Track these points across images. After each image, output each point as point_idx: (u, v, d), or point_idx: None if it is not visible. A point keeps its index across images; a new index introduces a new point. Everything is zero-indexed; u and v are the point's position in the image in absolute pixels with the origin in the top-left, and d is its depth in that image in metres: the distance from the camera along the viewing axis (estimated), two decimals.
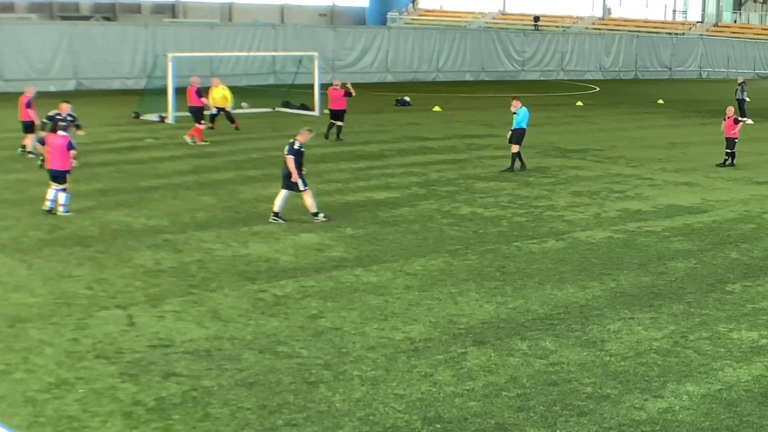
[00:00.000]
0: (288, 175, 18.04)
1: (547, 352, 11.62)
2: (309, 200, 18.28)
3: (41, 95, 26.41)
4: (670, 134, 35.07)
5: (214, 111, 30.58)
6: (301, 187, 18.09)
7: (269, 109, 38.16)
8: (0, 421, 9.19)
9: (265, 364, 10.97)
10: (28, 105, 24.86)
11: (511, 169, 24.88)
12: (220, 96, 30.78)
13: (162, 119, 33.73)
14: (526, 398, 10.21)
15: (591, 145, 30.97)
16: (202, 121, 28.81)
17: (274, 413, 9.69)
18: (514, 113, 24.77)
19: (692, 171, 26.03)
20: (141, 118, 34.34)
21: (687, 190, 23.13)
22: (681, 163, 27.49)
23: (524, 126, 24.89)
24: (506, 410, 9.91)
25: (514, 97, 25.42)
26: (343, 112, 30.05)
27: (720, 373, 11.12)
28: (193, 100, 29.06)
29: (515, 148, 24.85)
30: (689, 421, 9.77)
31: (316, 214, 18.29)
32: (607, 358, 11.45)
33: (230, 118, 31.38)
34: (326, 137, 29.68)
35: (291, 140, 18.37)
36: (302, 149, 18.17)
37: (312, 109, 37.74)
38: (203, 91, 29.34)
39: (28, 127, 24.79)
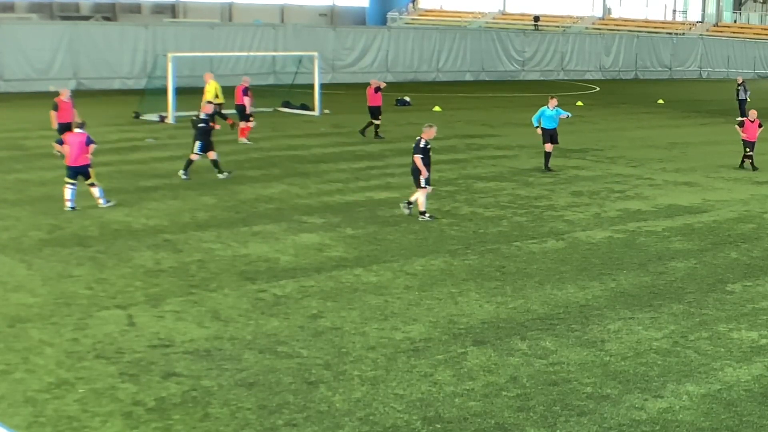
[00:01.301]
0: (417, 171, 18.34)
1: (547, 352, 11.62)
2: (423, 198, 18.61)
3: (42, 95, 26.32)
4: (670, 134, 35.07)
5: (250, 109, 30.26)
6: (422, 184, 18.41)
7: (269, 109, 38.15)
8: (0, 421, 9.19)
9: (265, 364, 10.97)
10: (54, 107, 24.73)
11: (548, 167, 25.17)
12: (212, 92, 30.79)
13: (162, 119, 33.71)
14: (526, 398, 10.21)
15: (591, 145, 30.97)
16: (251, 118, 29.19)
17: (274, 413, 9.69)
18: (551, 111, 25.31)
19: (692, 171, 26.03)
20: (141, 118, 34.34)
21: (687, 190, 23.13)
22: (681, 163, 27.49)
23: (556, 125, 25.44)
24: (506, 410, 9.91)
25: (552, 96, 25.89)
26: (379, 108, 31.06)
27: (720, 373, 11.12)
28: (240, 98, 29.33)
29: (551, 147, 25.23)
30: (689, 421, 9.77)
31: (423, 213, 18.62)
32: (607, 358, 11.45)
33: (221, 114, 31.05)
34: (363, 134, 30.99)
35: (417, 138, 18.65)
36: (429, 146, 18.48)
37: (312, 109, 37.75)
38: (249, 90, 29.66)
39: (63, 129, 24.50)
